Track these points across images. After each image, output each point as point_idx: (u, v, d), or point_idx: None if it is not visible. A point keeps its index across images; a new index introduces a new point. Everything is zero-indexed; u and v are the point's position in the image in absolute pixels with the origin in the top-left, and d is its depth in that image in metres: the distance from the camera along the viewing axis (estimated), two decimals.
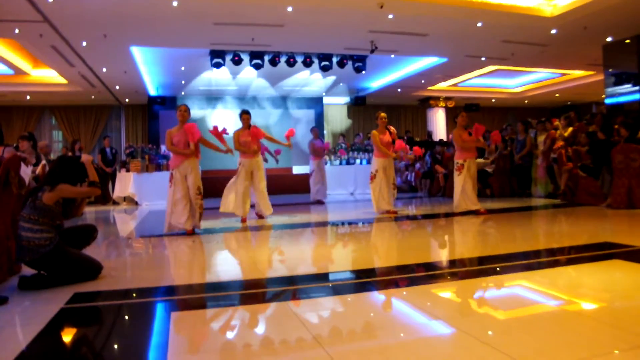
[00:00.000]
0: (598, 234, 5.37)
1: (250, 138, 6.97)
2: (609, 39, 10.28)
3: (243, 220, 7.02)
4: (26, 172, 5.12)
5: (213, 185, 10.76)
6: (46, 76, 12.40)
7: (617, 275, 3.39)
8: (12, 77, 12.14)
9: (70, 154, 10.57)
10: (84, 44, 9.19)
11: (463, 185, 7.11)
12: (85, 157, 3.89)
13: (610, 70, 10.62)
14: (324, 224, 7.37)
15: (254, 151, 7.00)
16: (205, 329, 2.63)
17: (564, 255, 4.24)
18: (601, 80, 11.40)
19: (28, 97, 14.03)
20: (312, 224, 7.22)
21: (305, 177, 13.03)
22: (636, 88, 10.03)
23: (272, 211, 7.35)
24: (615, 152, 7.27)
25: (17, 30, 8.27)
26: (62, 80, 12.38)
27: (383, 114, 7.71)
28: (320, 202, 10.12)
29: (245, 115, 7.13)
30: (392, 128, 7.88)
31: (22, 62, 11.31)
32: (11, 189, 4.06)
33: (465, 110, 8.17)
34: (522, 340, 2.21)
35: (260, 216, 7.40)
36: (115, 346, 2.41)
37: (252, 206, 7.45)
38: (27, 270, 3.68)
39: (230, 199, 7.06)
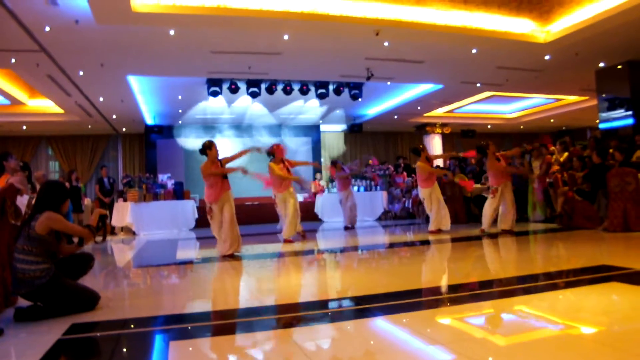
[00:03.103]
0: (595, 257, 5.39)
1: (285, 171, 7.63)
2: (601, 65, 10.44)
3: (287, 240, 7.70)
4: (22, 202, 5.10)
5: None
6: (43, 106, 12.38)
7: (615, 298, 3.39)
8: (8, 107, 12.13)
9: (67, 184, 10.54)
10: (81, 73, 9.24)
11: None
12: (98, 211, 3.89)
13: (603, 95, 10.76)
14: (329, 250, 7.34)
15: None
16: (205, 358, 2.58)
17: (562, 279, 4.23)
18: (595, 105, 11.55)
19: (24, 127, 14.03)
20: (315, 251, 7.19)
21: (305, 204, 13.00)
22: (629, 113, 10.15)
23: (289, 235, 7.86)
24: (610, 176, 7.31)
25: (13, 60, 8.31)
26: (58, 110, 12.38)
27: (422, 146, 8.66)
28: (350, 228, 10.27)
29: (279, 148, 7.82)
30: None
31: (18, 92, 11.33)
32: (7, 219, 4.04)
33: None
34: None
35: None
36: None
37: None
38: (23, 302, 3.62)
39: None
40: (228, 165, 6.61)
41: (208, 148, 6.37)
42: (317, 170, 13.64)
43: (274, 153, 7.75)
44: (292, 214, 7.71)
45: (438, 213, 8.31)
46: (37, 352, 2.63)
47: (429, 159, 8.47)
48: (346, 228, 10.20)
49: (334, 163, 10.75)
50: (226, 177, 6.42)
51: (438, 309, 3.40)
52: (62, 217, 3.58)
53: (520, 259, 5.52)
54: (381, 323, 3.06)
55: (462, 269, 5.10)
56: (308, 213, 12.36)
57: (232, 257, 6.29)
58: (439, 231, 8.23)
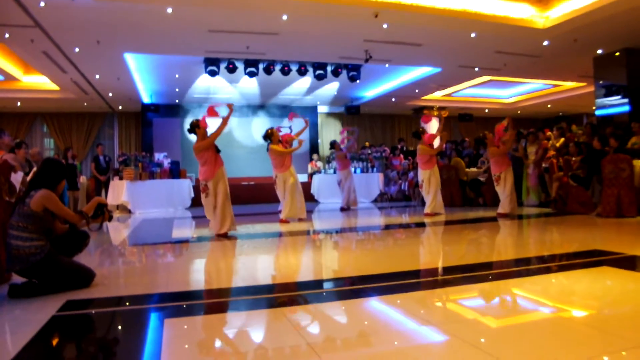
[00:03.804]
0: (588, 242, 5.45)
1: (285, 152, 7.88)
2: (599, 52, 10.41)
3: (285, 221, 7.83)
4: (16, 179, 5.09)
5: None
6: (38, 82, 12.26)
7: (606, 282, 3.44)
8: (2, 82, 12.00)
9: (63, 161, 10.51)
10: (77, 50, 9.14)
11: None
12: (97, 199, 3.87)
13: (600, 82, 10.75)
14: (326, 231, 7.37)
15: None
16: (199, 336, 2.61)
17: (555, 263, 4.28)
18: (592, 91, 11.55)
19: (19, 104, 13.90)
20: (310, 231, 7.22)
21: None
22: (625, 100, 10.16)
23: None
24: (605, 162, 7.36)
25: (7, 35, 8.18)
26: (54, 86, 12.27)
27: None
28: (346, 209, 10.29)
29: (275, 132, 8.05)
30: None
31: (12, 67, 11.19)
32: (1, 196, 4.03)
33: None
34: (515, 345, 2.24)
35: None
36: (108, 353, 2.39)
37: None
38: (17, 278, 3.64)
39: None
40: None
41: (197, 126, 6.32)
42: (315, 151, 13.61)
43: (271, 136, 7.85)
44: (292, 194, 7.80)
45: (435, 196, 8.35)
46: (31, 328, 2.64)
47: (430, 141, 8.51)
48: (342, 209, 10.23)
49: (332, 144, 10.76)
50: (219, 151, 6.36)
51: (432, 290, 3.43)
52: (57, 196, 3.57)
53: (513, 242, 5.57)
54: (375, 304, 3.09)
55: (456, 252, 5.14)
56: (305, 194, 12.39)
57: (226, 236, 6.32)
58: (434, 214, 8.28)
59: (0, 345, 2.48)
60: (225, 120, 6.48)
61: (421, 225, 7.43)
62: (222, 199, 6.31)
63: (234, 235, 6.42)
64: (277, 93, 14.40)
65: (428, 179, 8.37)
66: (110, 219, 3.92)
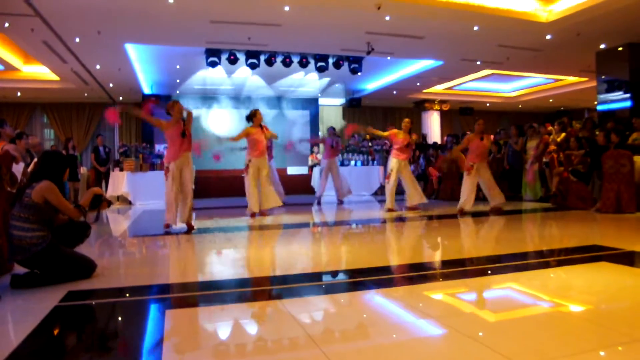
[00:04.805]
0: (587, 237, 5.46)
1: (262, 137, 7.49)
2: (602, 46, 10.38)
3: (254, 215, 7.55)
4: (18, 169, 5.10)
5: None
6: (38, 72, 12.22)
7: (604, 277, 3.46)
8: (2, 72, 11.97)
9: (64, 152, 10.51)
10: (77, 40, 9.11)
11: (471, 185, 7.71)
12: (93, 190, 3.88)
13: (602, 77, 10.72)
14: (324, 224, 7.38)
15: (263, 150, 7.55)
16: (200, 326, 2.63)
17: (554, 257, 4.30)
18: (594, 86, 11.51)
19: (19, 94, 13.87)
20: (310, 224, 7.23)
21: (300, 178, 13.09)
22: (627, 95, 10.13)
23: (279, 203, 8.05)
24: (605, 158, 7.36)
25: (7, 24, 8.13)
26: (54, 76, 12.23)
27: (407, 119, 8.35)
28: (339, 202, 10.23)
29: (258, 113, 7.61)
30: (414, 135, 8.48)
31: (12, 57, 11.15)
32: (3, 186, 4.04)
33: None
34: (513, 338, 2.26)
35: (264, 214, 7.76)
36: (110, 344, 2.41)
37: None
38: (19, 269, 3.65)
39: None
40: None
41: (171, 108, 6.08)
42: (315, 144, 13.54)
43: (253, 117, 7.59)
44: (261, 184, 7.63)
45: (416, 187, 8.35)
46: (34, 318, 2.66)
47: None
48: (340, 202, 10.21)
49: (331, 130, 10.62)
50: (185, 136, 6.01)
51: (430, 283, 3.44)
52: (58, 190, 3.58)
53: (512, 237, 5.58)
54: (373, 297, 3.11)
55: (454, 246, 5.16)
56: (306, 186, 12.45)
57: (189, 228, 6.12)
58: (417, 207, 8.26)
59: (3, 334, 2.50)
60: (190, 119, 6.19)
61: (422, 218, 7.44)
62: (187, 187, 6.10)
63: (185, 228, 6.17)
64: (278, 85, 14.35)
65: (398, 168, 8.14)
66: (109, 204, 3.94)
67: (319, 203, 10.17)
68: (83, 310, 3.02)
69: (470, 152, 7.85)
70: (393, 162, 8.16)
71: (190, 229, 6.06)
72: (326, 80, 13.87)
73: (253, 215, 7.55)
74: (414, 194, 8.29)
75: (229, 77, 13.08)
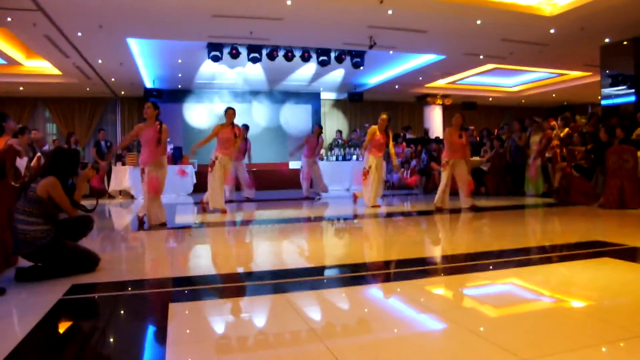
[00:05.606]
0: (590, 232, 5.46)
1: (233, 135, 7.44)
2: (606, 40, 10.33)
3: (224, 212, 7.46)
4: (21, 164, 5.11)
5: None
6: (40, 67, 12.22)
7: (606, 273, 3.45)
8: (4, 67, 11.95)
9: (66, 146, 10.52)
10: (79, 34, 9.10)
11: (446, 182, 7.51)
12: (85, 174, 3.90)
13: (606, 71, 10.67)
14: (317, 219, 7.39)
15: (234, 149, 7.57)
16: (204, 320, 2.64)
17: (556, 253, 4.29)
18: (598, 81, 11.47)
19: (21, 89, 13.87)
20: (304, 219, 7.24)
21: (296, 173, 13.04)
22: (632, 90, 10.09)
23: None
24: (609, 153, 7.34)
25: (9, 19, 8.12)
26: (56, 71, 12.22)
27: (384, 116, 8.08)
28: (310, 198, 10.24)
29: (230, 111, 7.56)
30: (390, 132, 8.24)
31: (14, 52, 11.14)
32: (7, 181, 4.06)
33: (463, 109, 8.48)
34: (515, 333, 2.26)
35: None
36: (114, 337, 2.42)
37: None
38: (24, 262, 3.67)
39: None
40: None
41: (152, 108, 6.28)
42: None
43: (225, 115, 7.59)
44: (220, 182, 7.50)
45: (380, 185, 8.32)
46: (39, 311, 2.68)
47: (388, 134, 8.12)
48: (307, 198, 10.21)
49: (319, 128, 10.74)
50: (160, 142, 6.23)
51: (432, 278, 3.45)
52: (62, 187, 3.58)
53: (514, 232, 5.57)
54: (375, 291, 3.12)
55: (456, 241, 5.17)
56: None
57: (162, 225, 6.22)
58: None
59: (8, 327, 2.52)
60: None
61: (424, 213, 7.44)
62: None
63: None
64: (280, 79, 14.33)
65: (376, 166, 7.97)
66: (97, 171, 3.99)
67: (317, 198, 10.22)
68: (87, 303, 3.04)
69: (446, 148, 7.63)
70: (370, 158, 8.03)
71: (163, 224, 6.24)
72: (328, 74, 13.82)
73: (224, 212, 7.47)
74: (377, 194, 8.17)
75: (231, 71, 13.06)
